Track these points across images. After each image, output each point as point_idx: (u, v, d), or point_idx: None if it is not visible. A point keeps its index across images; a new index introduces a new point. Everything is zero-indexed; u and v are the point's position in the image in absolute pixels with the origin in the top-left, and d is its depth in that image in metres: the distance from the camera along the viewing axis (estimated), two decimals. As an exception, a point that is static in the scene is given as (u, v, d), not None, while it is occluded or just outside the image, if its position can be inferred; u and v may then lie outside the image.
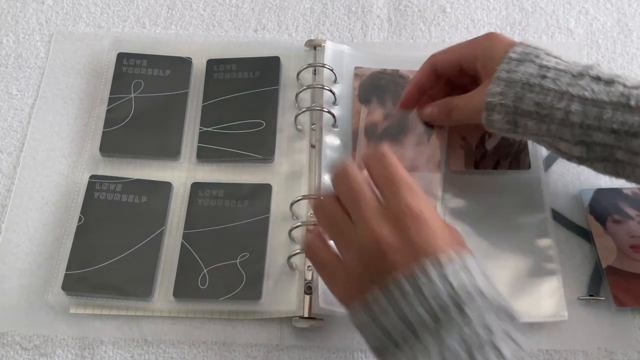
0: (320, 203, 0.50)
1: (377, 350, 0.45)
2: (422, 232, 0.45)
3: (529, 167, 0.62)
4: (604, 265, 0.57)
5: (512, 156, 0.62)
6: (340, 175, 0.49)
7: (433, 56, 0.61)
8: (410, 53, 0.70)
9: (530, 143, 0.63)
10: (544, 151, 0.63)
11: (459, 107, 0.58)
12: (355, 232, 0.46)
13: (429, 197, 0.56)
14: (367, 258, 0.45)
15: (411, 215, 0.45)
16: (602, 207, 0.61)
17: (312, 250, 0.50)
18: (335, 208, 0.48)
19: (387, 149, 0.49)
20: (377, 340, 0.44)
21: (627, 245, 0.58)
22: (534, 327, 0.56)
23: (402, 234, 0.45)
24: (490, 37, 0.57)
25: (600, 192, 0.61)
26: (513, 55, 0.54)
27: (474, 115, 0.56)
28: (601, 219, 0.60)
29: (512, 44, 0.55)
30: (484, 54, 0.56)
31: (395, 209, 0.46)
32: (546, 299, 0.56)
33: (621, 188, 0.61)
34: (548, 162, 0.63)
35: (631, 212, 0.60)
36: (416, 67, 0.62)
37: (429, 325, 0.42)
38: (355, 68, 0.67)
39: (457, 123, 0.61)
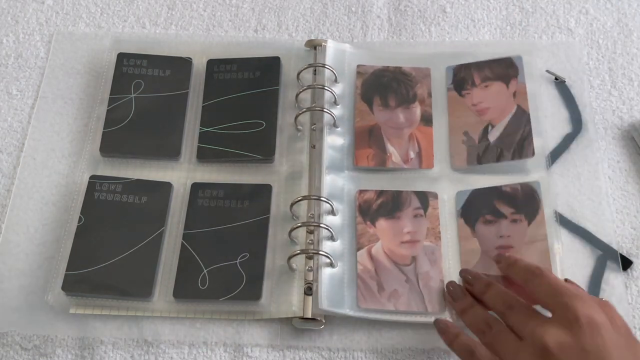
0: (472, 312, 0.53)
1: None
2: (596, 349, 0.44)
3: (533, 154, 0.61)
4: (460, 269, 0.58)
5: (516, 145, 0.62)
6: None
7: None
8: (412, 50, 0.70)
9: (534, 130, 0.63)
10: (546, 151, 0.63)
11: None
12: (522, 344, 0.47)
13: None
14: None
15: (586, 323, 0.45)
16: (475, 208, 0.60)
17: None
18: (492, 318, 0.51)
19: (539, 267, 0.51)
20: None
21: (494, 247, 0.58)
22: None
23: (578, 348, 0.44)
24: None
25: (476, 192, 0.61)
26: None
27: None
28: (472, 220, 0.60)
29: None
30: None
31: (564, 315, 0.46)
32: None
33: (501, 186, 0.61)
34: (549, 163, 0.63)
35: (506, 210, 0.59)
36: (417, 65, 0.62)
37: None
38: (358, 66, 0.67)
39: None
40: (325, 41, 0.68)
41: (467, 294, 0.55)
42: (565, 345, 0.44)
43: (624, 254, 0.59)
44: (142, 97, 0.66)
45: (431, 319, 0.55)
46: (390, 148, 0.64)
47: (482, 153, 0.62)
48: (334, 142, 0.64)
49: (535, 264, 0.52)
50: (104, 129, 0.64)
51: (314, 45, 0.69)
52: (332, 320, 0.56)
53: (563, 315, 0.46)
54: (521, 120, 0.63)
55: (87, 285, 0.56)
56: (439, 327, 0.54)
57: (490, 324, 0.50)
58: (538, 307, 0.49)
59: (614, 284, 0.58)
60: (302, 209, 0.61)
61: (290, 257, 0.57)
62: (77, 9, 0.74)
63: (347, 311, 0.56)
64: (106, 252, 0.58)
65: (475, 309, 0.53)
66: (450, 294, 0.56)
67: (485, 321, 0.51)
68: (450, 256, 0.59)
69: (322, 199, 0.59)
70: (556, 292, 0.48)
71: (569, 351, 0.44)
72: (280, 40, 0.72)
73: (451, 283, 0.56)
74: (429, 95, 0.66)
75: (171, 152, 0.64)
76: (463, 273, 0.57)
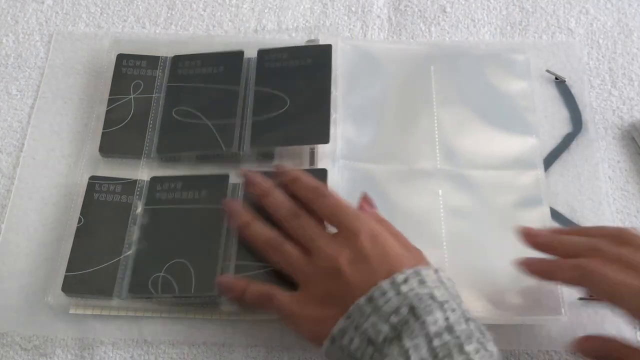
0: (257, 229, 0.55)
1: None
2: (379, 254, 0.49)
3: None
4: None
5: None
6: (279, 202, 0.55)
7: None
8: (408, 47, 0.70)
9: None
10: (544, 151, 0.63)
11: None
12: (312, 262, 0.51)
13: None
14: (328, 285, 0.50)
15: (367, 235, 0.50)
16: None
17: None
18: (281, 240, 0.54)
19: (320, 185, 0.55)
20: None
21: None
22: (534, 328, 0.56)
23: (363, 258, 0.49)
24: None
25: None
26: None
27: None
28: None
29: None
30: None
31: (347, 235, 0.51)
32: (545, 300, 0.56)
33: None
34: (548, 162, 0.63)
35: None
36: (413, 67, 0.62)
37: (391, 339, 0.44)
38: None
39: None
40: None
41: (246, 208, 0.57)
42: (352, 260, 0.49)
43: (624, 254, 0.59)
44: (142, 97, 0.66)
45: None
46: None
47: None
48: (333, 142, 0.64)
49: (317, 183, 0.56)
50: (103, 129, 0.64)
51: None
52: (331, 320, 0.56)
53: (347, 232, 0.51)
54: None
55: (87, 285, 0.56)
56: (223, 286, 0.55)
57: (275, 239, 0.54)
58: None
59: (614, 283, 0.58)
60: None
61: (289, 258, 0.57)
62: (77, 9, 0.74)
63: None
64: (106, 253, 0.58)
65: (256, 224, 0.55)
66: (229, 206, 0.57)
67: (267, 238, 0.54)
68: None
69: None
70: (340, 211, 0.53)
71: (357, 265, 0.49)
72: (280, 40, 0.71)
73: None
74: None
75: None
76: (242, 172, 0.58)
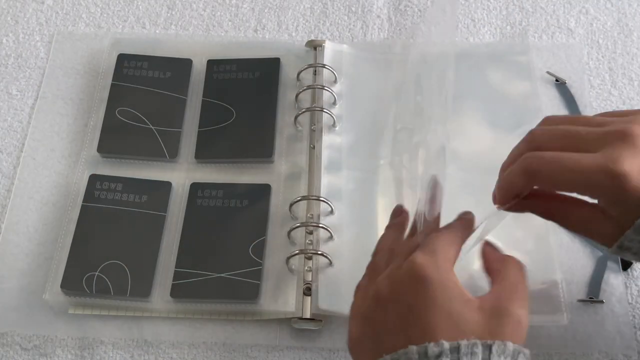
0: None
1: None
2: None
3: None
4: None
5: None
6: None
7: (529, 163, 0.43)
8: (411, 53, 0.70)
9: None
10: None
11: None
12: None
13: None
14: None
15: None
16: None
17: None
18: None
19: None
20: None
21: None
22: (534, 330, 0.56)
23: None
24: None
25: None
26: None
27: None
28: None
29: None
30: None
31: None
32: (546, 302, 0.56)
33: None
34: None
35: None
36: (415, 72, 0.61)
37: None
38: None
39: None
40: (325, 41, 0.68)
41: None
42: None
43: (624, 254, 0.59)
44: (142, 98, 0.66)
45: None
46: None
47: None
48: (333, 142, 0.64)
49: None
50: (103, 129, 0.64)
51: (314, 46, 0.69)
52: (331, 320, 0.56)
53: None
54: None
55: (86, 285, 0.56)
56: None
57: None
58: None
59: (614, 284, 0.57)
60: (301, 209, 0.60)
61: (289, 258, 0.57)
62: (77, 9, 0.74)
63: (347, 311, 0.56)
64: (105, 252, 0.58)
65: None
66: None
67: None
68: None
69: (321, 199, 0.60)
70: None
71: None
72: (280, 41, 0.72)
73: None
74: None
75: (170, 153, 0.64)
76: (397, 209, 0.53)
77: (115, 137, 0.64)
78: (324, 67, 0.66)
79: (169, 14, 0.74)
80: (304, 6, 0.74)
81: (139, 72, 0.67)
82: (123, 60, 0.68)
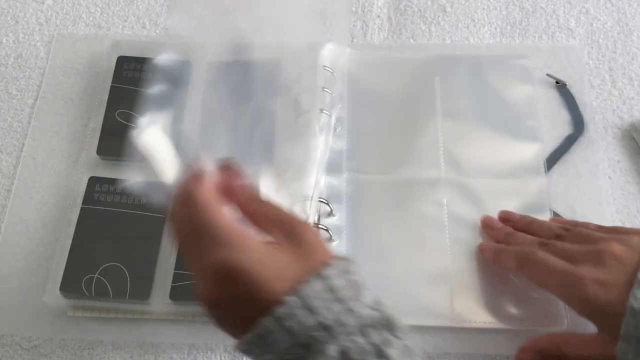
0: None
1: None
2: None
3: None
4: None
5: None
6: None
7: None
8: (411, 54, 0.70)
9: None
10: (545, 153, 0.63)
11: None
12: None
13: None
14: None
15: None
16: None
17: None
18: None
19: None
20: None
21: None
22: (535, 333, 0.56)
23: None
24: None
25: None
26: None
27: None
28: None
29: None
30: None
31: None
32: (548, 310, 0.56)
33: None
34: (549, 164, 0.63)
35: None
36: (416, 76, 0.62)
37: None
38: None
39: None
40: (325, 43, 0.68)
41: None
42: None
43: (624, 254, 0.59)
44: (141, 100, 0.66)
45: (429, 322, 0.55)
46: None
47: None
48: (334, 143, 0.64)
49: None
50: (102, 131, 0.64)
51: (314, 47, 0.68)
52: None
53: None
54: None
55: (85, 288, 0.56)
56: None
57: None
58: None
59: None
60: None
61: (288, 258, 0.57)
62: (77, 10, 0.74)
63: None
64: (105, 255, 0.58)
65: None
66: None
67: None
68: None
69: (321, 200, 0.59)
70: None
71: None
72: (280, 42, 0.71)
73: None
74: None
75: (170, 153, 0.64)
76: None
77: (114, 140, 0.64)
78: (324, 68, 0.66)
79: (169, 14, 0.74)
80: (304, 6, 0.74)
81: (138, 75, 0.67)
82: (122, 62, 0.68)
